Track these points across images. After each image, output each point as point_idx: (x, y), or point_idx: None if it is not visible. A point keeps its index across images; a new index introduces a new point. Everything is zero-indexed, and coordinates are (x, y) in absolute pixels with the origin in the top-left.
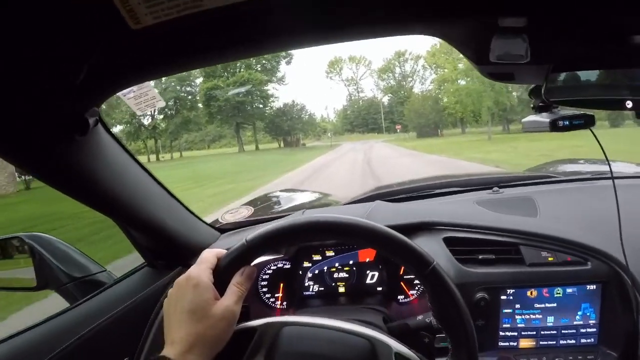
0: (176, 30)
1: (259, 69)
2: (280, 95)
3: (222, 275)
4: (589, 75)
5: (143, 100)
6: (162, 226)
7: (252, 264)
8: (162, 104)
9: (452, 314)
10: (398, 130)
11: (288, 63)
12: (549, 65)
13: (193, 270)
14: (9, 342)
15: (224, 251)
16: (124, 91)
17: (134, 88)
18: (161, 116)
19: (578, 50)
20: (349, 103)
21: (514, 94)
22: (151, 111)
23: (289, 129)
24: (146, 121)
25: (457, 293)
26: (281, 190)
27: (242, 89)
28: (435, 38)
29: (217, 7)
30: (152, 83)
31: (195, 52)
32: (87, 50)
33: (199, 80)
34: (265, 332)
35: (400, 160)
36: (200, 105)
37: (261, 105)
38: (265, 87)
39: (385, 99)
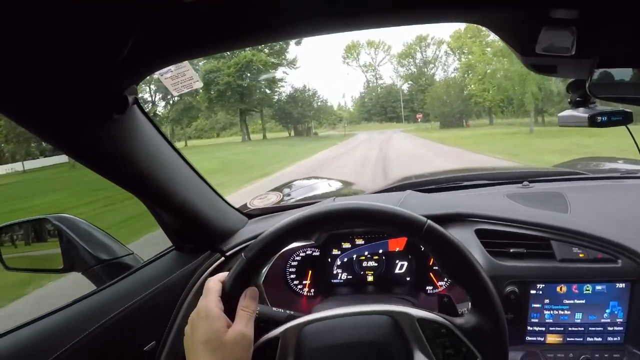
0: (226, 7)
1: (267, 51)
2: (293, 80)
3: (229, 300)
4: (633, 72)
5: (180, 80)
6: (193, 209)
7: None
8: (199, 84)
9: (461, 266)
10: (419, 120)
11: (298, 44)
12: (594, 60)
13: (201, 303)
14: (38, 324)
15: (226, 274)
16: (162, 70)
17: (172, 67)
18: (163, 102)
19: (624, 46)
20: (366, 90)
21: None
22: (151, 97)
23: (299, 116)
24: (147, 108)
25: (460, 244)
26: (306, 178)
27: (269, 75)
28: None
29: None
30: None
31: (242, 31)
32: (131, 24)
33: (203, 62)
34: (288, 338)
35: (435, 162)
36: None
37: (268, 91)
38: (272, 71)
39: (405, 87)
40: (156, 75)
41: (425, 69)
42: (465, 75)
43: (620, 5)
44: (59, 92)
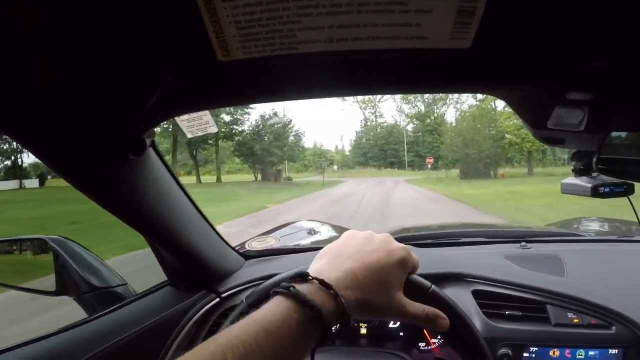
0: (260, 66)
1: None
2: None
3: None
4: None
5: (196, 124)
6: (193, 249)
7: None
8: (214, 129)
9: (461, 331)
10: (429, 166)
11: None
12: (602, 135)
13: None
14: (23, 349)
15: None
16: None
17: None
18: None
19: (632, 122)
20: (363, 130)
21: None
22: None
23: (263, 154)
24: None
25: (461, 310)
26: (307, 221)
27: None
28: None
29: (309, 52)
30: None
31: (269, 88)
32: (165, 74)
33: None
34: None
35: None
36: None
37: (227, 117)
38: None
39: (410, 127)
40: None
41: (435, 107)
42: (493, 107)
43: (631, 86)
44: (81, 131)
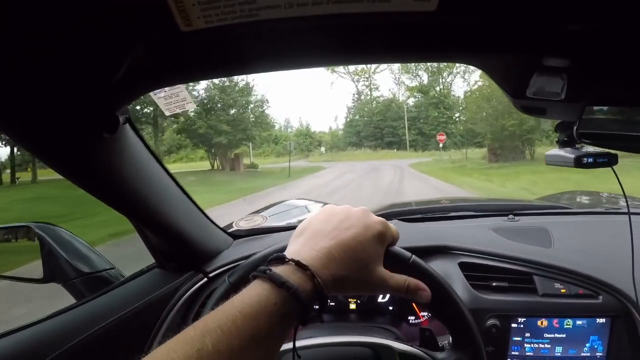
0: (224, 36)
1: None
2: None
3: None
4: (621, 117)
5: (173, 101)
6: (179, 229)
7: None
8: (192, 106)
9: (444, 302)
10: (440, 144)
11: None
12: (583, 104)
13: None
14: (12, 337)
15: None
16: (156, 90)
17: (166, 88)
18: None
19: (614, 91)
20: (356, 105)
21: None
22: None
23: (207, 134)
24: None
25: (443, 280)
26: (297, 199)
27: None
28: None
29: (271, 19)
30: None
31: (239, 60)
32: (129, 47)
33: None
34: None
35: None
36: None
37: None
38: None
39: (411, 101)
40: (150, 93)
41: (440, 77)
42: None
43: (610, 52)
44: (50, 108)
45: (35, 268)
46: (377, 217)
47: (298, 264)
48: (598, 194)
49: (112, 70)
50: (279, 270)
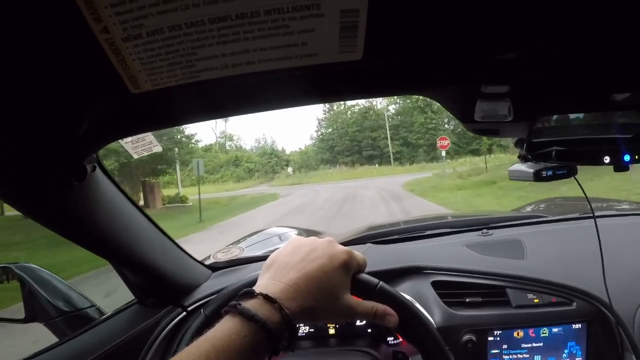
0: (171, 94)
1: None
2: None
3: None
4: (569, 131)
5: (140, 144)
6: (156, 266)
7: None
8: (158, 149)
9: (411, 322)
10: (443, 152)
11: None
12: (532, 122)
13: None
14: None
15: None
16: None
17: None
18: None
19: (560, 108)
20: (328, 116)
21: None
22: None
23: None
24: None
25: (409, 302)
26: (276, 227)
27: None
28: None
29: (210, 79)
30: None
31: (190, 112)
32: (88, 105)
33: None
34: None
35: None
36: None
37: None
38: None
39: (392, 108)
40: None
41: None
42: None
43: (548, 73)
44: (18, 161)
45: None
46: (342, 247)
47: (266, 297)
48: (573, 199)
49: (75, 126)
50: (248, 304)
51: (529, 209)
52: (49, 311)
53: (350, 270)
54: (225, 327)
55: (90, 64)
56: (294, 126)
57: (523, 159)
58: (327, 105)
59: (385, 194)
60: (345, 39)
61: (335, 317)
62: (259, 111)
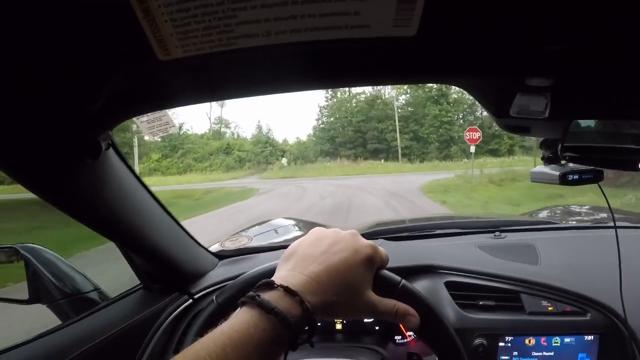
0: (202, 64)
1: None
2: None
3: None
4: (605, 134)
5: (156, 125)
6: (164, 252)
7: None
8: (174, 130)
9: (431, 324)
10: (472, 147)
11: None
12: (567, 121)
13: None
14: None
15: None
16: (137, 116)
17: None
18: None
19: (597, 107)
20: (330, 104)
21: None
22: None
23: None
24: None
25: (432, 304)
26: (284, 218)
27: None
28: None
29: (249, 47)
30: None
31: (217, 86)
32: (108, 76)
33: None
34: None
35: None
36: None
37: None
38: None
39: (402, 98)
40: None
41: None
42: None
43: (592, 72)
44: (32, 135)
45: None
46: (366, 240)
47: (287, 289)
48: (585, 207)
49: (91, 99)
50: (267, 296)
51: (542, 214)
52: (53, 293)
53: (373, 265)
54: (243, 319)
55: (114, 25)
56: (296, 115)
57: (548, 160)
58: (329, 91)
59: (398, 204)
60: (401, 12)
61: (356, 313)
62: (295, 90)
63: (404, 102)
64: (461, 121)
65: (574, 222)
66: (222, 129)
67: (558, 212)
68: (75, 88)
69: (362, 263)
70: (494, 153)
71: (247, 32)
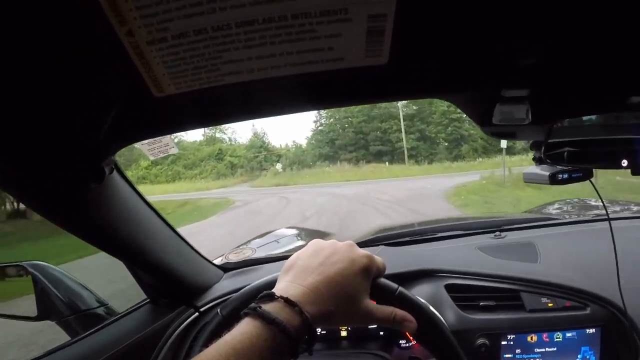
0: (194, 97)
1: None
2: None
3: None
4: (587, 134)
5: (157, 146)
6: (170, 267)
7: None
8: (174, 150)
9: (429, 328)
10: (503, 145)
11: None
12: (549, 125)
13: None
14: None
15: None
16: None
17: None
18: None
19: (577, 110)
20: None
21: None
22: None
23: None
24: None
25: (429, 308)
26: (286, 228)
27: None
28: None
29: (235, 82)
30: None
31: (210, 114)
32: (111, 109)
33: None
34: None
35: None
36: None
37: None
38: None
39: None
40: None
41: None
42: None
43: (568, 78)
44: (40, 164)
45: (25, 301)
46: (363, 250)
47: (287, 300)
48: (585, 201)
49: (95, 129)
50: (268, 307)
51: (543, 210)
52: (61, 309)
53: (370, 275)
54: (246, 330)
55: (113, 66)
56: (295, 120)
57: (539, 161)
58: None
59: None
60: (371, 44)
61: (354, 321)
62: (282, 114)
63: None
64: None
65: (575, 217)
66: (218, 134)
67: (558, 206)
68: (82, 118)
69: (359, 273)
70: (508, 151)
71: (232, 70)
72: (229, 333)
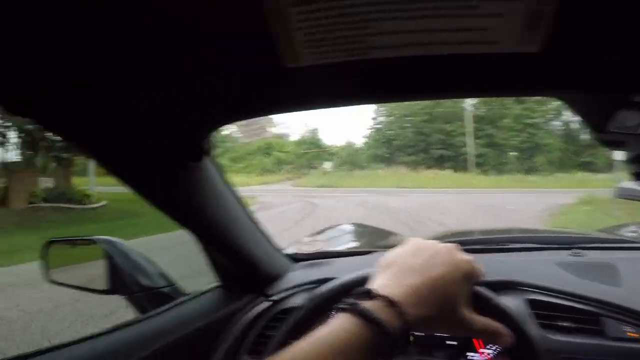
0: (327, 71)
1: None
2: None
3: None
4: None
5: (251, 128)
6: (247, 252)
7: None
8: (270, 134)
9: (523, 345)
10: (617, 155)
11: None
12: None
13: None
14: (71, 349)
15: None
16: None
17: None
18: None
19: None
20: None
21: None
22: None
23: None
24: None
25: (525, 325)
26: (352, 224)
27: None
28: None
29: (380, 57)
30: None
31: (339, 93)
32: (234, 79)
33: None
34: None
35: None
36: None
37: None
38: None
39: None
40: None
41: None
42: None
43: None
44: (144, 139)
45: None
46: (465, 255)
47: (388, 300)
48: None
49: (210, 100)
50: (367, 305)
51: (621, 231)
52: (131, 286)
53: (471, 281)
54: (345, 327)
55: (246, 30)
56: (350, 117)
57: (637, 176)
58: None
59: None
60: (529, 28)
61: (453, 329)
62: (418, 99)
63: (478, 99)
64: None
65: None
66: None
67: (634, 229)
68: (198, 89)
69: (461, 278)
70: (587, 167)
71: (378, 44)
72: (323, 328)
